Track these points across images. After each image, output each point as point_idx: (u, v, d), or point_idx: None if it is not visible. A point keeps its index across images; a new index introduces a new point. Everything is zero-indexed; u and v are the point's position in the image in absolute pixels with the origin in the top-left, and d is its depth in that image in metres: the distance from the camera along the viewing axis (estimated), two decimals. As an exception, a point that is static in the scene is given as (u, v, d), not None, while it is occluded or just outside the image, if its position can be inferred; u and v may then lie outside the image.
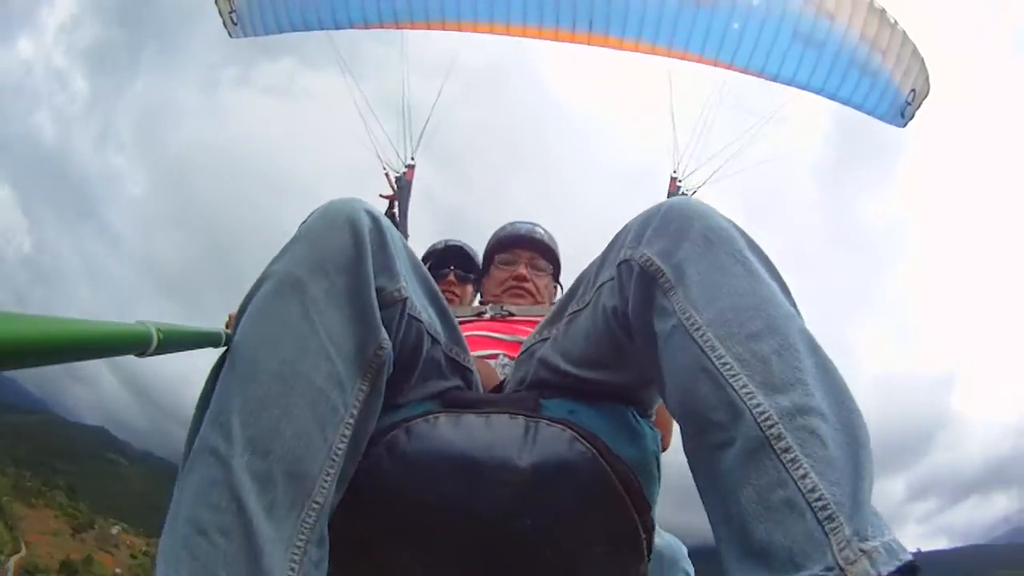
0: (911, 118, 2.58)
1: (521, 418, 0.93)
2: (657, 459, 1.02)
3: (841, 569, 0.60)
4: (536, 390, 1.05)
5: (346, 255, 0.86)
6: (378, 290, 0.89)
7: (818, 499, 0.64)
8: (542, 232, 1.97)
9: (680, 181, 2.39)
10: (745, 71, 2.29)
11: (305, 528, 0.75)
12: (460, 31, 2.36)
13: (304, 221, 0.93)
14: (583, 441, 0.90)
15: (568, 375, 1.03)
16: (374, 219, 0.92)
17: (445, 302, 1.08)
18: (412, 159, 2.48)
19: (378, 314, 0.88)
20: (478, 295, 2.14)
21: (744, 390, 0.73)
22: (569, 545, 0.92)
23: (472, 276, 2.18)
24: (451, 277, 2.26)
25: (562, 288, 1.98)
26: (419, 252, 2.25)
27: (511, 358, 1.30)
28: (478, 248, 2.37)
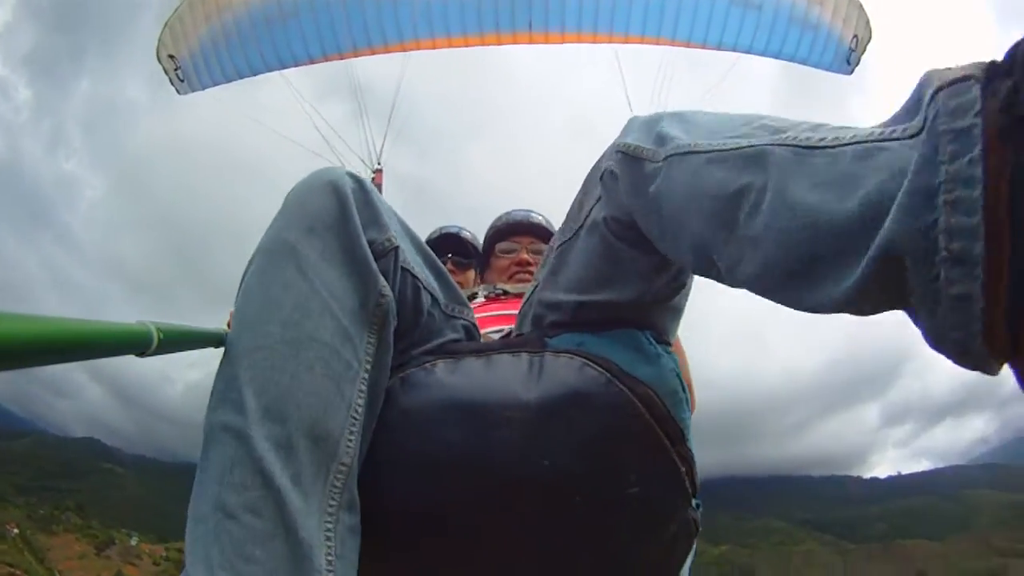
0: (856, 64, 2.63)
1: (524, 354, 0.87)
2: (680, 379, 0.93)
3: (973, 77, 0.49)
4: (539, 330, 0.98)
5: (332, 214, 0.85)
6: (369, 243, 0.88)
7: (885, 128, 0.57)
8: (539, 216, 1.97)
9: None
10: (688, 44, 2.32)
11: (335, 493, 0.72)
12: (404, 51, 2.38)
13: (287, 195, 0.92)
14: (594, 365, 0.82)
15: (567, 304, 0.97)
16: (356, 179, 0.91)
17: (441, 264, 1.05)
18: (379, 164, 2.51)
19: (374, 264, 0.86)
20: (480, 284, 2.14)
21: (756, 142, 0.68)
22: (598, 487, 0.82)
23: (471, 261, 2.15)
24: (449, 265, 2.21)
25: None
26: None
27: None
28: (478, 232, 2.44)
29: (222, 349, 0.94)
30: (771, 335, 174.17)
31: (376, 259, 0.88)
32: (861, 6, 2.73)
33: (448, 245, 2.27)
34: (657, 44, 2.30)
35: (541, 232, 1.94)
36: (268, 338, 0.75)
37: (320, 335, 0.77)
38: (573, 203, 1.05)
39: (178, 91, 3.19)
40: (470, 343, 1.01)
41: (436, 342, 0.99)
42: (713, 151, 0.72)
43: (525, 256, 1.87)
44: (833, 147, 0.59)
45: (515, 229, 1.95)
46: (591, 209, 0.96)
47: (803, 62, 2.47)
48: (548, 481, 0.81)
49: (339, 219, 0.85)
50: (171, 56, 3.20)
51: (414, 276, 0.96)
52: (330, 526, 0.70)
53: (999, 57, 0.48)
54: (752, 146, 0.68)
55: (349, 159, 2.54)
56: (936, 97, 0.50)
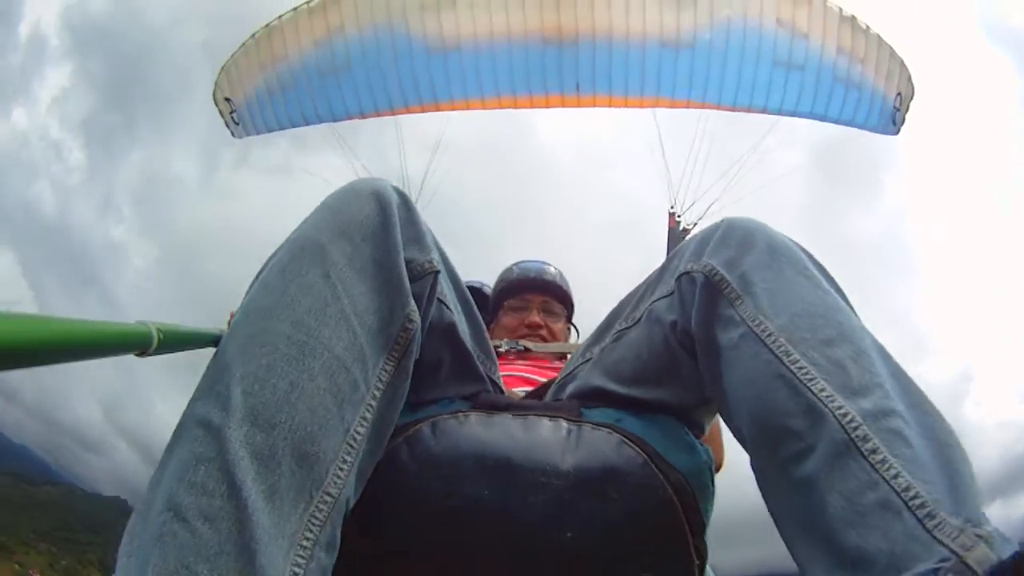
0: (902, 123, 2.62)
1: (562, 421, 0.84)
2: (711, 472, 0.93)
3: (959, 556, 0.54)
4: (579, 401, 0.95)
5: (372, 222, 0.80)
6: (407, 261, 0.83)
7: (914, 497, 0.59)
8: (553, 272, 1.89)
9: (679, 216, 2.42)
10: (733, 108, 2.35)
11: (314, 525, 0.61)
12: (453, 110, 2.47)
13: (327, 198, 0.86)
14: (632, 444, 0.81)
15: (614, 395, 0.94)
16: (401, 195, 0.86)
17: (478, 313, 1.02)
18: None
19: (407, 284, 0.81)
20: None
21: (823, 393, 0.68)
22: (612, 564, 0.80)
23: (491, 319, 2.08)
24: None
25: (577, 330, 1.91)
26: None
27: None
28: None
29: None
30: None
31: (412, 279, 0.82)
32: (903, 62, 2.73)
33: (473, 299, 2.28)
34: (702, 108, 2.34)
35: (555, 291, 1.86)
36: (274, 335, 0.67)
37: (332, 345, 0.69)
38: (641, 285, 1.03)
39: (233, 134, 3.33)
40: (504, 397, 0.97)
41: (464, 389, 0.95)
42: (786, 366, 0.72)
43: (536, 319, 1.78)
44: (874, 467, 0.62)
45: (527, 286, 1.86)
46: (657, 302, 0.95)
47: (848, 123, 2.47)
48: (567, 553, 0.79)
49: (378, 229, 0.80)
50: (227, 99, 3.35)
51: (449, 310, 0.91)
52: (300, 562, 0.59)
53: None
54: (819, 397, 0.68)
55: None
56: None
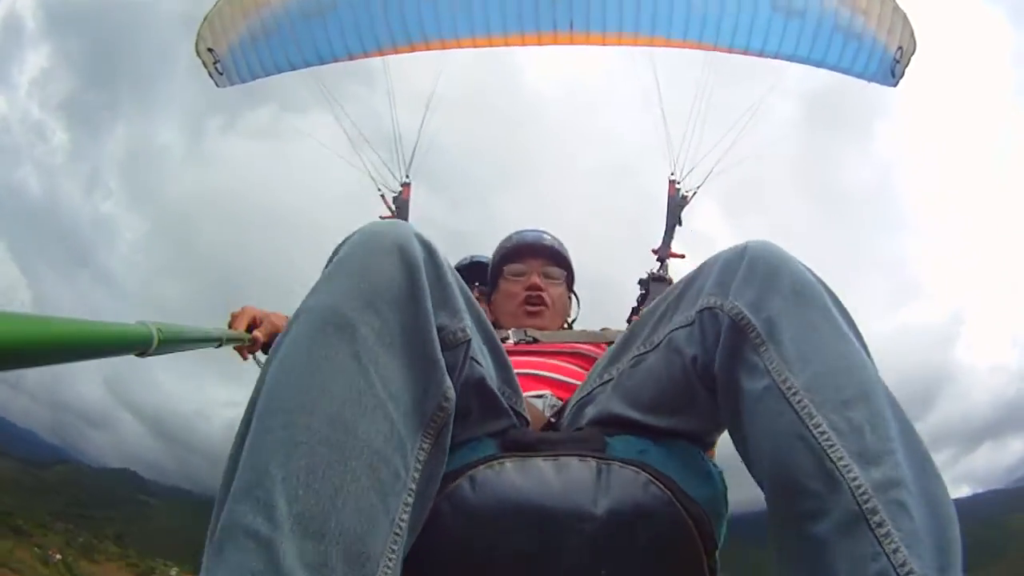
0: (901, 76, 2.57)
1: (592, 460, 0.89)
2: (725, 499, 0.99)
3: None
4: (599, 427, 1.00)
5: (400, 287, 0.76)
6: (438, 329, 0.80)
7: (908, 572, 0.66)
8: (550, 238, 1.90)
9: (679, 183, 2.37)
10: (730, 50, 2.29)
11: None
12: (444, 49, 2.39)
13: (339, 247, 0.82)
14: (658, 484, 0.87)
15: (631, 422, 0.99)
16: (426, 246, 0.82)
17: (497, 338, 1.00)
18: (407, 177, 2.52)
19: (442, 362, 0.79)
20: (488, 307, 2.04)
21: (842, 462, 0.72)
22: None
23: None
24: (476, 293, 2.24)
25: (577, 298, 1.95)
26: None
27: (559, 398, 1.26)
28: None
29: (220, 348, 0.90)
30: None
31: (444, 349, 0.80)
32: (906, 17, 2.68)
33: (478, 274, 2.23)
34: (699, 48, 2.28)
35: (553, 255, 1.88)
36: (311, 434, 0.65)
37: (372, 440, 0.68)
38: (659, 302, 1.04)
39: (216, 84, 3.23)
40: (531, 433, 1.00)
41: (492, 427, 0.98)
42: (808, 429, 0.76)
43: (536, 280, 1.79)
44: (879, 540, 0.67)
45: (526, 251, 1.87)
46: (677, 331, 0.96)
47: (846, 72, 2.42)
48: None
49: (407, 295, 0.77)
50: (210, 49, 3.25)
51: (479, 365, 0.90)
52: None
53: None
54: (837, 466, 0.73)
55: (379, 171, 2.56)
56: None
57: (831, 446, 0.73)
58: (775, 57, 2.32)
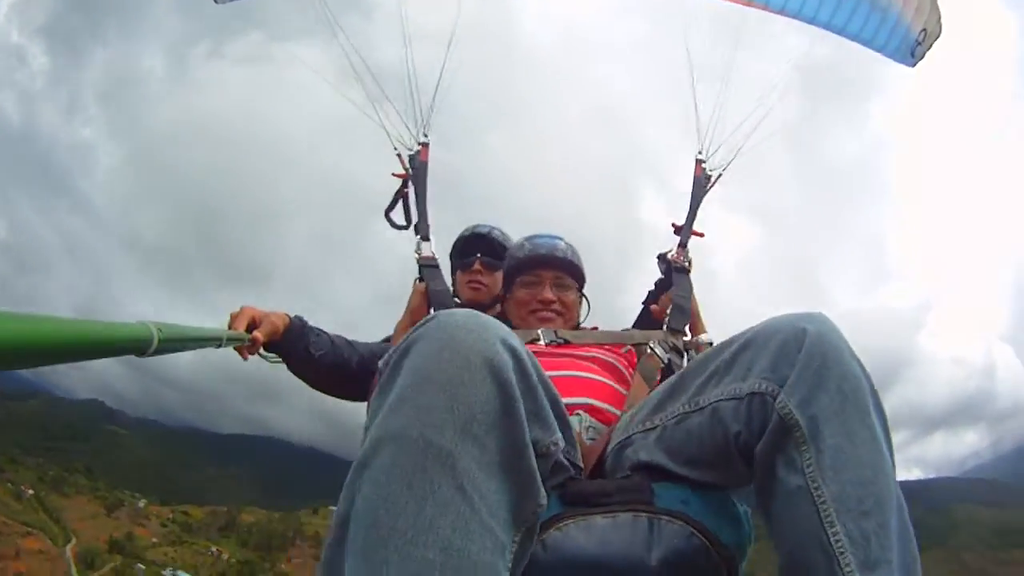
0: (921, 58, 2.51)
1: (644, 517, 1.04)
2: (750, 539, 1.14)
3: None
4: (646, 474, 1.14)
5: (493, 408, 0.78)
6: (533, 443, 0.85)
7: None
8: (564, 247, 1.95)
9: (705, 162, 2.35)
10: (749, 4, 2.23)
11: None
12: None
13: (414, 340, 0.83)
14: (699, 535, 1.04)
15: (671, 472, 1.13)
16: (512, 352, 0.84)
17: (560, 401, 1.04)
18: (425, 136, 2.25)
19: (538, 477, 0.85)
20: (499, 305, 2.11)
21: (848, 568, 0.88)
22: None
23: (501, 264, 2.14)
24: (477, 265, 2.25)
25: (588, 302, 2.02)
26: (441, 240, 2.17)
27: (594, 419, 1.38)
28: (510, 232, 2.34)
29: (220, 348, 0.96)
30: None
31: (537, 458, 0.86)
32: (936, 2, 2.60)
33: (479, 245, 2.29)
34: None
35: (566, 266, 1.93)
36: (426, 566, 0.69)
37: (482, 557, 0.73)
38: (706, 362, 1.13)
39: (216, 0, 3.15)
40: (586, 485, 1.12)
41: (554, 482, 1.06)
42: (827, 535, 0.90)
43: (548, 295, 1.86)
44: None
45: (539, 263, 1.91)
46: (724, 402, 1.06)
47: (866, 44, 2.36)
48: None
49: (501, 416, 0.79)
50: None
51: (557, 447, 0.97)
52: None
53: None
54: (843, 572, 0.88)
55: (395, 125, 2.23)
56: None
57: (842, 553, 0.89)
58: (796, 16, 2.26)
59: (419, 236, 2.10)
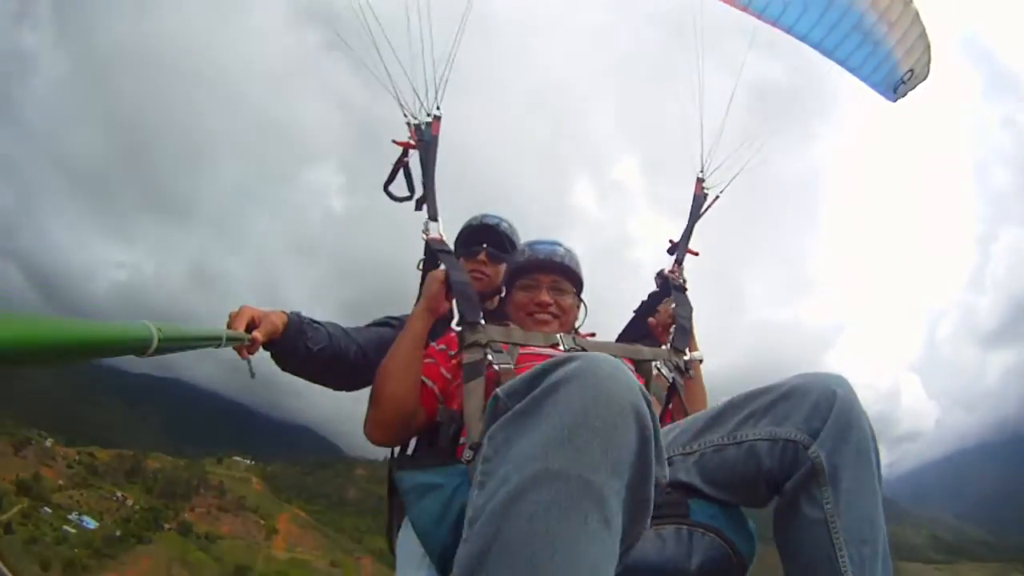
0: (903, 96, 2.56)
1: (684, 530, 1.30)
2: (755, 548, 1.38)
3: None
4: (683, 492, 1.36)
5: (636, 453, 0.91)
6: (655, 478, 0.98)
7: None
8: (562, 252, 2.01)
9: (705, 181, 2.39)
10: (744, 10, 2.25)
11: None
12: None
13: (560, 380, 0.92)
14: (726, 546, 1.31)
15: (702, 491, 1.37)
16: (647, 400, 0.96)
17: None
18: (438, 108, 2.14)
19: (651, 505, 0.98)
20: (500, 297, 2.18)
21: None
22: None
23: (506, 256, 2.18)
24: (482, 256, 2.24)
25: (585, 305, 2.07)
26: (449, 225, 2.11)
27: None
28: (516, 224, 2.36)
29: (220, 348, 1.03)
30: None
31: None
32: (928, 46, 2.65)
33: (487, 235, 2.28)
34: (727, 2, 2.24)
35: (564, 271, 1.97)
36: None
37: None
38: (747, 401, 1.35)
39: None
40: None
41: None
42: (836, 556, 1.20)
43: (545, 298, 1.93)
44: None
45: (537, 267, 1.98)
46: (761, 441, 1.30)
47: (852, 71, 2.39)
48: None
49: (638, 457, 0.91)
50: None
51: (667, 481, 1.13)
52: None
53: None
54: None
55: (405, 95, 2.10)
56: None
57: (845, 571, 1.18)
58: (787, 32, 2.28)
59: (428, 216, 2.03)
